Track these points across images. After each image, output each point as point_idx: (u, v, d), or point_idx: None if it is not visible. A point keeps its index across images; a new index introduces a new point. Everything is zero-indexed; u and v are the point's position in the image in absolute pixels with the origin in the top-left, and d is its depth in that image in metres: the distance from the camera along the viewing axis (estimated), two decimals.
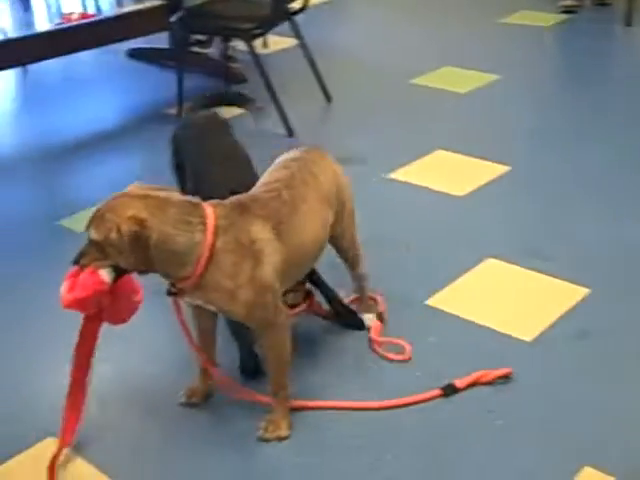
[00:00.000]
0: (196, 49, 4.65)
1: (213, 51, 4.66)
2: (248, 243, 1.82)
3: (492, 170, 3.25)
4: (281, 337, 1.94)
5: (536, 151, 3.45)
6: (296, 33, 3.92)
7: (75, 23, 4.82)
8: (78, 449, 1.97)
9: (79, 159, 3.59)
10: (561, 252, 2.68)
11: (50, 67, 4.63)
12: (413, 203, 3.07)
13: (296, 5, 3.87)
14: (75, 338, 1.94)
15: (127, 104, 4.24)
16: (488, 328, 2.34)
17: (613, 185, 3.11)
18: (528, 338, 2.28)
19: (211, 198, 1.89)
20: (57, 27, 4.78)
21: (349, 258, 2.31)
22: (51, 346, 2.37)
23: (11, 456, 1.96)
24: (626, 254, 2.65)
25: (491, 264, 2.63)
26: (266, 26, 3.69)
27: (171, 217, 1.74)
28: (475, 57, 4.56)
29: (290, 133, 3.63)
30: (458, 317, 2.39)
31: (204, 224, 1.78)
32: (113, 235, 1.71)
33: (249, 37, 3.63)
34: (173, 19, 3.80)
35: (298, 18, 3.90)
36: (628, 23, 4.89)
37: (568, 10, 5.15)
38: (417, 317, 2.41)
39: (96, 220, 1.75)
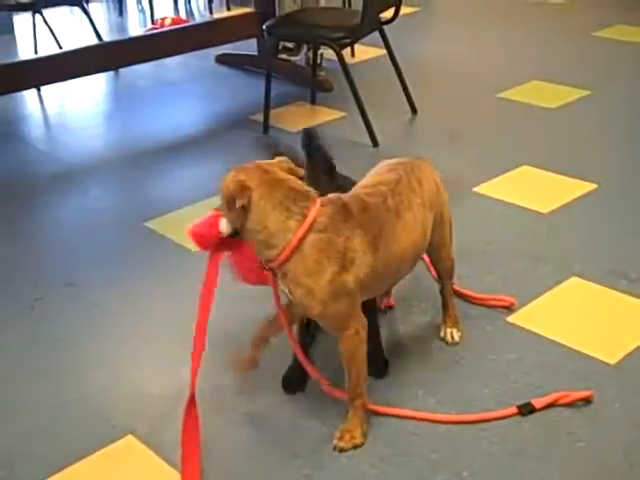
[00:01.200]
0: (284, 56, 4.70)
1: (300, 59, 4.70)
2: (342, 249, 1.84)
3: (579, 188, 3.19)
4: (355, 344, 1.92)
5: (625, 170, 3.37)
6: (385, 43, 3.92)
7: (167, 29, 4.95)
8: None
9: (165, 162, 3.66)
10: None
11: (140, 70, 4.74)
12: (498, 218, 3.03)
13: (387, 15, 3.88)
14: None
15: (214, 109, 4.30)
16: (570, 348, 2.29)
17: None
18: (612, 361, 2.23)
19: None
20: (150, 33, 4.92)
21: (444, 269, 2.30)
22: (136, 348, 2.42)
23: (92, 452, 2.00)
24: None
25: (575, 283, 2.59)
26: (356, 35, 3.69)
27: (275, 197, 1.81)
28: (566, 71, 4.49)
29: (375, 143, 3.63)
30: (540, 335, 2.35)
31: (304, 215, 1.81)
32: (223, 189, 1.83)
33: (339, 46, 3.65)
34: (265, 26, 3.84)
35: (386, 28, 3.90)
36: None
37: None
38: (498, 333, 2.37)
39: (227, 175, 1.86)
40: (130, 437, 2.03)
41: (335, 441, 1.99)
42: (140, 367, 2.30)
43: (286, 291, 1.91)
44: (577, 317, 2.44)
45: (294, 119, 4.04)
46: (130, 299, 2.64)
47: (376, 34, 3.85)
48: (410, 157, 2.18)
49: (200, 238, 1.92)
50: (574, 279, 2.60)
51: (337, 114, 4.05)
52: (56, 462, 1.97)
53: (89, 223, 3.14)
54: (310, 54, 4.34)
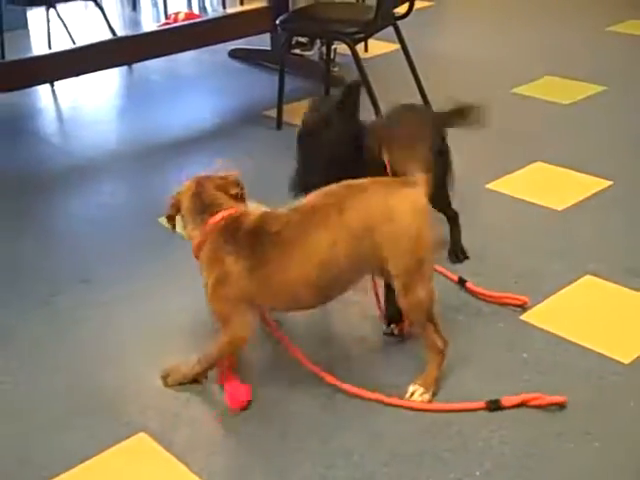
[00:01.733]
0: (297, 51, 4.69)
1: (313, 54, 4.69)
2: (221, 264, 2.05)
3: (593, 184, 3.18)
4: (222, 347, 2.12)
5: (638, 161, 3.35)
6: (399, 38, 3.91)
7: (180, 24, 4.94)
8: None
9: (178, 157, 3.66)
10: None
11: (154, 65, 4.74)
12: (510, 215, 3.02)
13: (400, 10, 3.86)
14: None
15: (227, 104, 4.30)
16: (584, 347, 2.28)
17: None
18: (626, 360, 2.22)
19: None
20: (163, 28, 4.92)
21: (407, 309, 2.10)
22: (149, 344, 2.42)
23: (104, 449, 2.01)
24: None
25: (590, 281, 2.57)
26: (370, 30, 3.68)
27: (193, 209, 2.15)
28: (580, 66, 4.46)
29: None
30: (553, 333, 2.34)
31: (204, 224, 2.10)
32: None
33: (353, 41, 3.64)
34: (278, 21, 3.83)
35: (400, 23, 3.89)
36: None
37: None
38: (511, 331, 2.36)
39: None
40: (142, 434, 2.04)
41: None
42: (153, 364, 2.30)
43: None
44: (591, 316, 2.42)
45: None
46: (144, 295, 2.64)
47: (390, 29, 3.84)
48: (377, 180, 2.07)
49: None
50: (588, 277, 2.59)
51: None
52: (69, 458, 1.97)
53: (103, 219, 3.14)
54: (324, 49, 4.33)
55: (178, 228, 2.23)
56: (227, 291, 2.05)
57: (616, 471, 1.88)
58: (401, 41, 3.90)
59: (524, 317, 2.42)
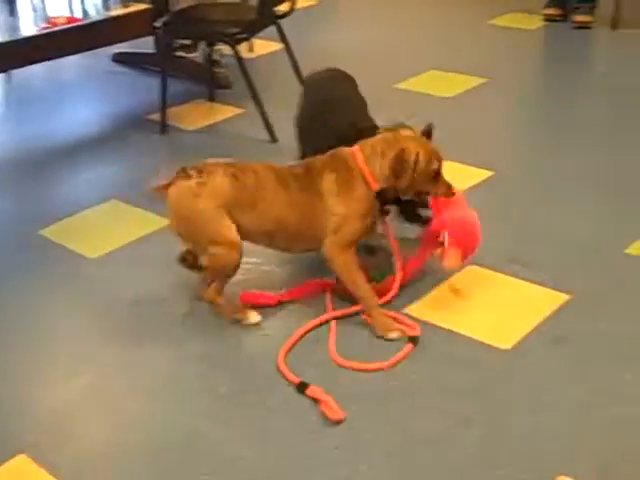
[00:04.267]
0: (181, 53, 4.62)
1: (198, 55, 4.63)
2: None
3: (476, 175, 3.24)
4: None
5: (521, 156, 3.44)
6: (282, 37, 3.90)
7: (61, 28, 4.81)
8: None
9: (62, 165, 3.57)
10: (543, 258, 2.67)
11: (35, 71, 4.59)
12: None
13: (282, 8, 3.85)
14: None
15: (111, 109, 4.21)
16: (467, 337, 2.32)
17: (596, 189, 3.10)
18: (507, 346, 2.27)
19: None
20: (43, 32, 4.78)
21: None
22: (29, 359, 2.35)
23: None
24: (608, 258, 2.64)
25: (472, 271, 2.62)
26: (251, 30, 3.66)
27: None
28: (462, 60, 4.54)
29: (274, 139, 3.61)
30: (437, 326, 2.38)
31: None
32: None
33: (234, 42, 3.61)
34: (157, 24, 3.77)
35: (285, 21, 3.88)
36: (614, 26, 4.88)
37: (551, 19, 5.11)
38: None
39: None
40: (22, 456, 1.97)
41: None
42: (33, 380, 2.23)
43: None
44: (474, 305, 2.47)
45: (192, 117, 3.99)
46: (25, 311, 2.56)
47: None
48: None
49: None
50: (472, 267, 2.63)
51: (236, 111, 4.02)
52: None
53: None
54: (207, 50, 4.28)
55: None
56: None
57: (496, 456, 1.92)
58: (284, 40, 3.90)
59: (409, 311, 2.44)
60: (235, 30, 3.60)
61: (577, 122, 3.74)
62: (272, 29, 3.83)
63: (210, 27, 3.71)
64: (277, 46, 4.57)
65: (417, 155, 2.28)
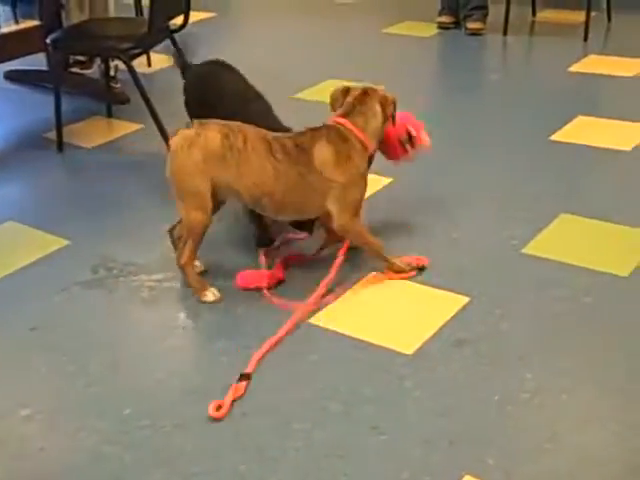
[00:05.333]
0: (76, 69, 4.55)
1: (94, 71, 4.57)
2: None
3: (376, 183, 3.27)
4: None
5: (417, 161, 3.48)
6: (177, 51, 3.87)
7: None
8: None
9: None
10: (441, 262, 2.71)
11: None
12: None
13: (177, 22, 3.83)
14: None
15: (4, 129, 4.11)
16: (370, 343, 2.35)
17: (491, 192, 3.18)
18: (409, 351, 2.31)
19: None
20: None
21: None
22: None
23: None
24: (505, 259, 2.71)
25: (372, 277, 2.65)
26: (144, 45, 3.63)
27: None
28: (359, 68, 4.60)
29: None
30: (340, 333, 2.40)
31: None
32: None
33: (127, 57, 3.57)
34: (49, 40, 3.70)
35: (183, 35, 3.86)
36: (505, 33, 5.03)
37: (444, 26, 5.24)
38: (298, 335, 2.40)
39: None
40: None
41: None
42: None
43: None
44: (374, 312, 2.50)
45: (90, 134, 3.92)
46: None
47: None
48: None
49: None
50: (372, 274, 2.67)
51: (135, 126, 3.97)
52: None
53: None
54: (103, 66, 4.23)
55: None
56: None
57: (403, 462, 1.94)
58: (180, 54, 3.86)
59: (312, 320, 2.46)
60: (127, 45, 3.56)
61: (471, 127, 3.83)
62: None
63: (102, 42, 3.65)
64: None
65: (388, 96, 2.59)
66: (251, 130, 2.52)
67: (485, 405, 2.10)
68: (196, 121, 2.54)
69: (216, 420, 2.09)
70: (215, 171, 2.47)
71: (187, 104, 3.07)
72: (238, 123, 2.53)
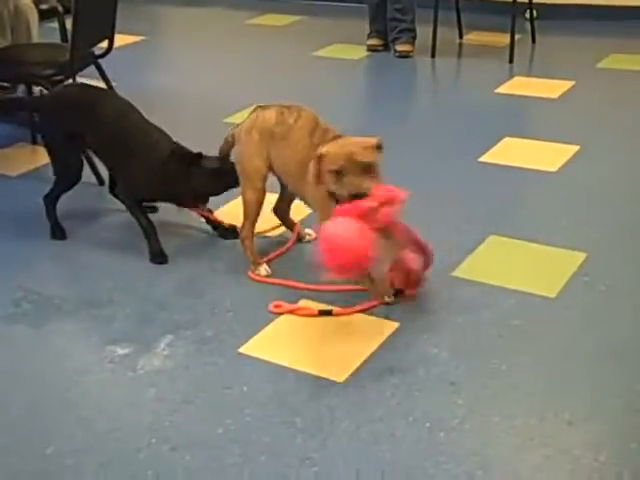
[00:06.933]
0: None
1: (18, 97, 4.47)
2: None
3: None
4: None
5: None
6: (102, 76, 3.83)
7: None
8: None
9: None
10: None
11: None
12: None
13: (101, 47, 3.78)
14: None
15: None
16: (301, 372, 2.32)
17: (421, 215, 3.17)
18: (340, 379, 2.28)
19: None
20: None
21: None
22: None
23: None
24: (435, 282, 2.71)
25: (303, 304, 2.63)
26: (67, 72, 3.56)
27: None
28: (289, 91, 4.59)
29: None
30: (270, 363, 2.36)
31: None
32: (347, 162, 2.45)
33: (50, 83, 3.50)
34: None
35: (108, 60, 3.81)
36: (433, 55, 5.08)
37: (373, 49, 5.28)
38: (229, 366, 2.36)
39: (366, 149, 2.51)
40: None
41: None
42: None
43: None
44: (305, 341, 2.48)
45: (14, 162, 3.83)
46: None
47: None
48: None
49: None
50: (303, 301, 2.64)
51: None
52: None
53: None
54: (26, 92, 4.13)
55: None
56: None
57: None
58: (105, 79, 3.82)
59: (242, 350, 2.42)
60: (50, 72, 3.51)
61: (400, 149, 3.83)
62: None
63: (25, 69, 3.59)
64: (102, 85, 4.47)
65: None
66: (308, 112, 2.69)
67: (416, 433, 2.08)
68: (258, 105, 2.76)
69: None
70: (267, 146, 2.68)
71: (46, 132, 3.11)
72: (299, 105, 2.71)
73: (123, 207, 3.11)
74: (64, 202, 3.13)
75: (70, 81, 3.53)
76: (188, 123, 4.23)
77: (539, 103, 4.33)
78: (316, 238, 2.73)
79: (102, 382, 2.35)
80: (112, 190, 3.20)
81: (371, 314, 2.55)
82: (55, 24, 4.96)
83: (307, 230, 3.01)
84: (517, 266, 2.81)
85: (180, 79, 4.99)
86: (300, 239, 2.99)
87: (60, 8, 4.91)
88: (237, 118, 4.21)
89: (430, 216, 3.16)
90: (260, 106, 2.76)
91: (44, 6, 4.84)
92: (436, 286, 2.69)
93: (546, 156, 3.64)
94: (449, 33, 5.30)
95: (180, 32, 6.20)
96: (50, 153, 3.07)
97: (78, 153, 3.09)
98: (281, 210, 2.98)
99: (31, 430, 2.17)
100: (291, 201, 2.94)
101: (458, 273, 2.76)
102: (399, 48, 5.14)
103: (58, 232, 3.10)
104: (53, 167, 3.08)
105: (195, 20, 6.39)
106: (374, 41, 5.28)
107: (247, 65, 5.22)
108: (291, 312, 2.57)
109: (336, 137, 2.59)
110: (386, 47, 5.27)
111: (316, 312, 2.55)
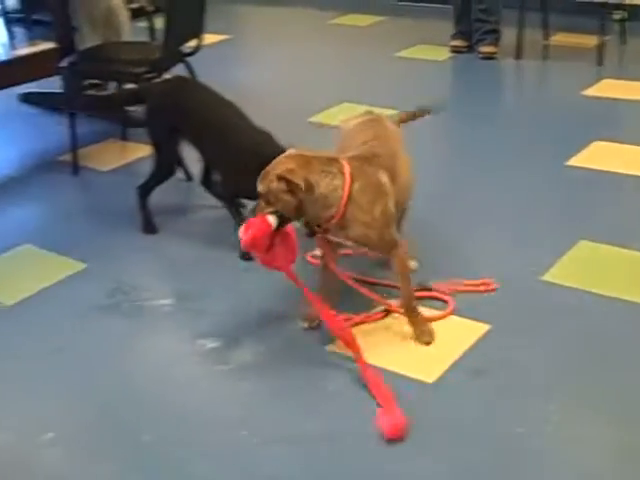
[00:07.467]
0: (92, 92, 4.55)
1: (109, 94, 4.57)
2: (378, 185, 2.34)
3: None
4: (405, 259, 2.43)
5: (432, 184, 3.47)
6: (190, 74, 3.88)
7: None
8: None
9: None
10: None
11: None
12: None
13: (190, 45, 3.84)
14: None
15: (20, 152, 4.12)
16: (391, 371, 2.32)
17: (509, 218, 3.16)
18: (430, 379, 2.28)
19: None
20: None
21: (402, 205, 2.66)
22: None
23: None
24: (524, 286, 2.68)
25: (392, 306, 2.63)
26: (158, 69, 3.63)
27: (316, 168, 2.26)
28: (373, 92, 4.60)
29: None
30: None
31: (342, 172, 2.29)
32: (273, 185, 2.24)
33: (141, 80, 3.57)
34: (63, 64, 3.71)
35: (196, 58, 3.87)
36: (518, 56, 5.02)
37: (457, 50, 5.24)
38: (319, 363, 2.38)
39: (262, 177, 2.27)
40: None
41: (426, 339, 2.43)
42: None
43: (341, 240, 2.38)
44: (394, 340, 2.47)
45: (105, 157, 3.93)
46: None
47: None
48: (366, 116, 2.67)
49: (255, 242, 2.25)
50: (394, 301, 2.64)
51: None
52: None
53: None
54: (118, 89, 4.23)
55: (271, 221, 2.26)
56: (391, 207, 2.36)
57: None
58: (193, 77, 3.88)
59: (329, 348, 2.43)
60: (141, 69, 3.57)
61: (486, 153, 3.81)
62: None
63: (116, 67, 3.66)
64: None
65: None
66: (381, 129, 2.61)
67: (503, 437, 2.06)
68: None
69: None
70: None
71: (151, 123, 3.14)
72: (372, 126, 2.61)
73: (213, 202, 3.17)
74: (153, 197, 3.19)
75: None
76: (273, 121, 4.23)
77: (630, 106, 4.24)
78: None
79: (193, 375, 2.39)
80: (204, 184, 3.25)
81: (461, 315, 2.54)
82: (143, 23, 5.09)
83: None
84: (609, 272, 2.76)
85: (264, 78, 5.04)
86: None
87: (149, 7, 5.06)
88: (323, 117, 4.25)
89: (518, 220, 3.14)
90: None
91: (134, 5, 4.94)
92: (526, 290, 2.67)
93: (637, 160, 3.57)
94: (535, 34, 5.22)
95: (263, 31, 6.25)
96: (154, 145, 3.12)
97: (178, 146, 3.14)
98: None
99: (126, 418, 2.22)
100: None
101: (548, 277, 2.72)
102: (483, 49, 5.09)
103: (149, 226, 3.16)
104: (154, 160, 3.13)
105: (277, 19, 6.45)
106: (458, 42, 5.24)
107: (329, 65, 5.24)
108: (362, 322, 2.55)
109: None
110: (470, 48, 5.23)
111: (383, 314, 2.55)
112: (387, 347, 2.44)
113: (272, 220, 2.27)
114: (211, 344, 2.50)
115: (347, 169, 2.30)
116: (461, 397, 2.22)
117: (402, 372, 2.31)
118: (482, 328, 2.47)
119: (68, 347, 2.53)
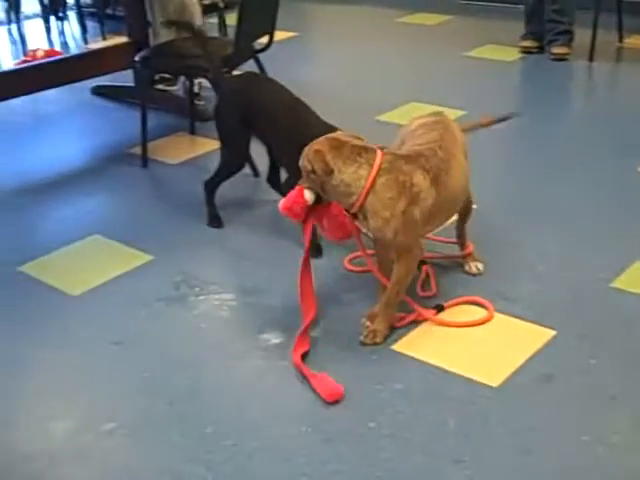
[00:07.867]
0: (161, 87, 4.62)
1: (178, 89, 4.63)
2: (408, 185, 2.31)
3: None
4: (411, 265, 2.40)
5: (503, 189, 3.44)
6: (260, 70, 3.91)
7: (40, 61, 4.79)
8: None
9: (42, 200, 3.54)
10: (527, 293, 2.66)
11: (13, 105, 4.56)
12: None
13: (261, 42, 3.86)
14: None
15: (91, 143, 4.20)
16: (455, 374, 2.31)
17: (579, 222, 3.11)
18: (495, 383, 2.26)
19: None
20: (22, 65, 4.76)
21: (466, 206, 2.69)
22: (7, 405, 2.31)
23: None
24: (592, 292, 2.64)
25: (458, 309, 2.61)
26: (230, 65, 3.66)
27: (344, 154, 2.29)
28: (441, 92, 4.57)
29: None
30: (425, 362, 2.36)
31: (370, 164, 2.30)
32: (302, 162, 2.35)
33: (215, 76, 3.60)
34: (137, 58, 3.77)
35: (264, 54, 3.89)
36: (591, 58, 4.94)
37: (527, 51, 5.17)
38: (383, 362, 2.38)
39: (303, 153, 2.37)
40: None
41: (361, 337, 2.43)
42: (9, 425, 2.19)
43: (365, 230, 2.40)
44: (460, 342, 2.46)
45: (174, 151, 3.98)
46: (4, 348, 2.52)
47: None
48: (435, 113, 2.65)
49: (290, 211, 2.41)
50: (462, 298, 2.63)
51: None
52: None
53: None
54: (188, 84, 4.28)
55: (307, 196, 2.38)
56: (416, 213, 2.33)
57: None
58: (263, 73, 3.90)
59: (396, 347, 2.43)
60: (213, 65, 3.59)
61: (556, 156, 3.75)
62: (252, 62, 3.84)
63: (189, 62, 3.70)
64: None
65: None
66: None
67: (570, 445, 2.04)
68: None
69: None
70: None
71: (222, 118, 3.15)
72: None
73: (278, 198, 3.17)
74: (220, 191, 3.23)
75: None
76: (340, 119, 4.24)
77: None
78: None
79: (256, 369, 2.41)
80: (270, 181, 3.27)
81: (526, 320, 2.51)
82: (214, 19, 5.15)
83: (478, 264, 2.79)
84: None
85: (331, 75, 5.04)
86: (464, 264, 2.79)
87: (221, 3, 5.11)
88: (391, 117, 4.24)
89: (587, 224, 3.09)
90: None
91: (206, 1, 5.00)
92: (595, 296, 2.63)
93: None
94: (608, 36, 5.13)
95: (330, 29, 6.26)
96: (223, 140, 3.15)
97: (248, 142, 3.15)
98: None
99: (189, 410, 2.25)
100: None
101: (618, 284, 2.67)
102: (555, 50, 5.01)
103: (216, 220, 3.20)
104: (222, 155, 3.16)
105: (344, 17, 6.44)
106: (528, 43, 5.17)
107: (397, 63, 5.22)
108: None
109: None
110: (541, 49, 5.16)
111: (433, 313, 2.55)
112: (452, 348, 2.43)
113: (307, 194, 2.38)
114: (275, 339, 2.51)
115: (377, 162, 2.31)
116: (525, 402, 2.19)
117: (466, 375, 2.30)
118: (548, 333, 2.44)
119: (132, 338, 2.57)
